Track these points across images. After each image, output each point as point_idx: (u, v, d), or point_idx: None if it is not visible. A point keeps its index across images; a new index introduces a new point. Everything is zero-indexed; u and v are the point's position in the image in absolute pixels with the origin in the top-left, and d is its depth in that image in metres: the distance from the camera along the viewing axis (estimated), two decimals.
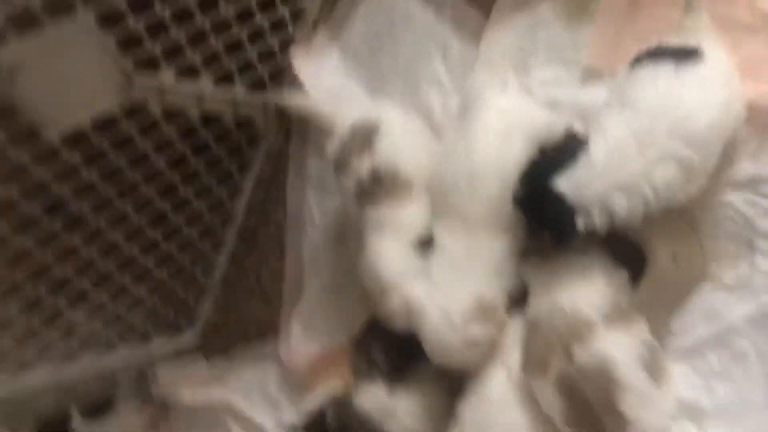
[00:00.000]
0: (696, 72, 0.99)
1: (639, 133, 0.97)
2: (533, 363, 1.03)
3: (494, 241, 1.11)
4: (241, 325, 1.64)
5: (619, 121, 0.99)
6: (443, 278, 1.13)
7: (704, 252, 1.11)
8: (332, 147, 1.27)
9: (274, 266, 1.60)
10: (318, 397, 1.35)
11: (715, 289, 1.10)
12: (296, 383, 1.51)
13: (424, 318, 1.13)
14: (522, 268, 1.12)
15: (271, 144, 1.56)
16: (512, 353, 1.09)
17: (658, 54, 1.01)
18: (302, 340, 1.50)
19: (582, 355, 0.98)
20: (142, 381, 1.60)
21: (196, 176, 1.45)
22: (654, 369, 1.00)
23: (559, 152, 1.02)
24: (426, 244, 1.18)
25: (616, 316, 1.02)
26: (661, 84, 0.99)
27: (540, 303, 1.06)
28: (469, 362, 1.13)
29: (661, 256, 1.07)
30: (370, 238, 1.22)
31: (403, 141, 1.23)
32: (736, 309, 1.08)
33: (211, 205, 1.51)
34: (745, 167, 1.07)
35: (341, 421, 1.24)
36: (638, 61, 1.03)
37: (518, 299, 1.13)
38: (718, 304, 1.10)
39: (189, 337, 1.65)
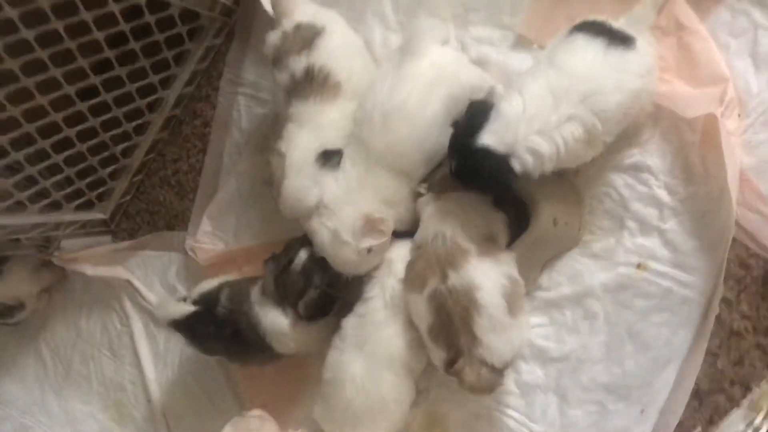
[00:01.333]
0: (623, 56, 1.09)
1: (557, 91, 1.07)
2: (413, 279, 1.15)
3: (389, 179, 1.21)
4: (152, 213, 1.69)
5: (541, 78, 1.09)
6: (337, 197, 1.23)
7: (581, 221, 1.25)
8: (275, 38, 1.31)
9: (193, 161, 1.64)
10: (214, 281, 1.40)
11: (582, 255, 1.25)
12: (195, 275, 1.58)
13: (316, 237, 1.24)
14: (416, 203, 1.23)
15: (211, 41, 1.58)
16: (389, 278, 1.22)
17: (598, 29, 1.11)
18: (209, 235, 1.57)
19: (454, 276, 1.11)
20: (45, 246, 1.64)
21: (132, 57, 1.46)
22: (513, 303, 1.13)
23: (476, 114, 1.10)
24: (335, 154, 1.26)
25: (489, 249, 1.15)
26: (589, 55, 1.09)
27: (427, 230, 1.17)
28: (368, 269, 1.25)
29: (544, 217, 1.19)
30: (290, 128, 1.28)
31: (342, 49, 1.29)
32: (597, 275, 1.23)
33: (142, 88, 1.53)
34: (632, 153, 1.20)
35: (233, 302, 1.31)
36: (578, 28, 1.13)
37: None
38: (583, 269, 1.24)
39: (98, 213, 1.68)
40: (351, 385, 1.20)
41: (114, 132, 1.55)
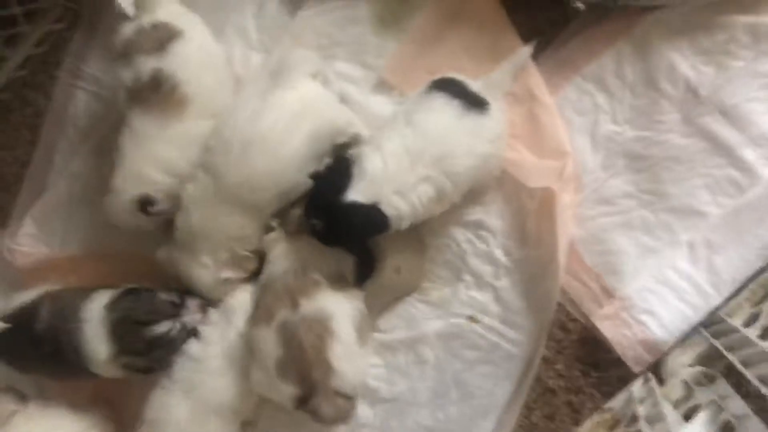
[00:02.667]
0: (476, 121, 1.13)
1: (413, 151, 1.09)
2: (261, 313, 1.12)
3: (238, 214, 1.16)
4: None
5: (397, 138, 1.11)
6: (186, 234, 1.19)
7: (422, 270, 1.28)
8: (129, 30, 1.21)
9: (20, 153, 1.49)
10: (32, 293, 1.28)
11: (420, 301, 1.29)
12: (12, 280, 1.44)
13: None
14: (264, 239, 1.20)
15: (51, 25, 1.44)
16: (229, 326, 1.19)
17: (455, 90, 1.13)
18: (31, 238, 1.43)
19: (306, 305, 1.10)
20: None
21: None
22: (361, 333, 1.16)
23: (338, 171, 1.10)
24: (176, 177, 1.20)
25: (339, 284, 1.16)
26: (444, 117, 1.12)
27: (276, 267, 1.15)
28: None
29: (388, 265, 1.22)
30: (126, 139, 1.20)
31: (197, 59, 1.21)
32: (431, 323, 1.27)
33: None
34: (475, 211, 1.25)
35: (56, 318, 1.20)
36: (436, 87, 1.14)
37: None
38: (419, 315, 1.28)
39: None
40: (174, 429, 1.16)
41: None
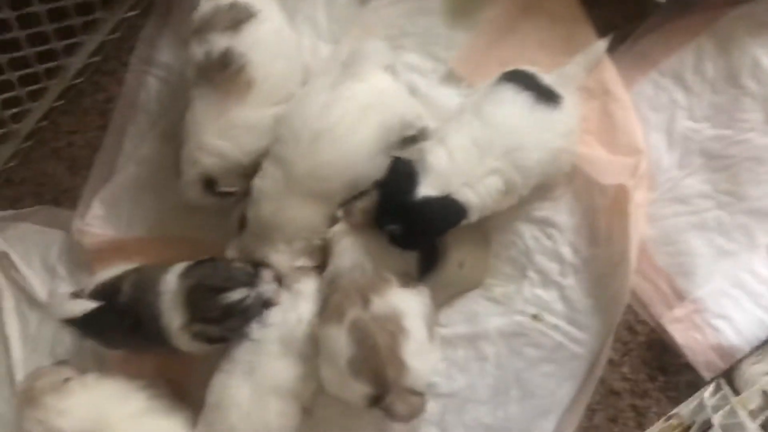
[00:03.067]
0: (548, 114, 1.10)
1: (481, 143, 1.08)
2: (331, 311, 1.11)
3: (305, 205, 1.17)
4: (38, 185, 1.55)
5: (465, 130, 1.09)
6: (258, 226, 1.19)
7: (486, 266, 1.26)
8: (207, 7, 1.21)
9: (90, 137, 1.52)
10: (113, 270, 1.30)
11: (483, 297, 1.27)
12: (79, 260, 1.48)
13: None
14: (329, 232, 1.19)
15: (126, 12, 1.47)
16: (292, 311, 1.19)
17: (527, 82, 1.11)
18: (99, 220, 1.46)
19: (378, 302, 1.08)
20: None
21: (33, 18, 1.33)
22: (431, 330, 1.14)
23: (402, 173, 1.09)
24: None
25: (407, 282, 1.14)
26: (515, 109, 1.10)
27: (343, 262, 1.14)
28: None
29: (452, 260, 1.21)
30: (190, 123, 1.22)
31: (269, 43, 1.20)
32: (493, 319, 1.26)
33: (42, 53, 1.40)
34: (543, 206, 1.23)
35: (137, 290, 1.21)
36: (508, 78, 1.13)
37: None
38: (481, 312, 1.26)
39: None
40: (236, 411, 1.16)
41: (4, 95, 1.41)
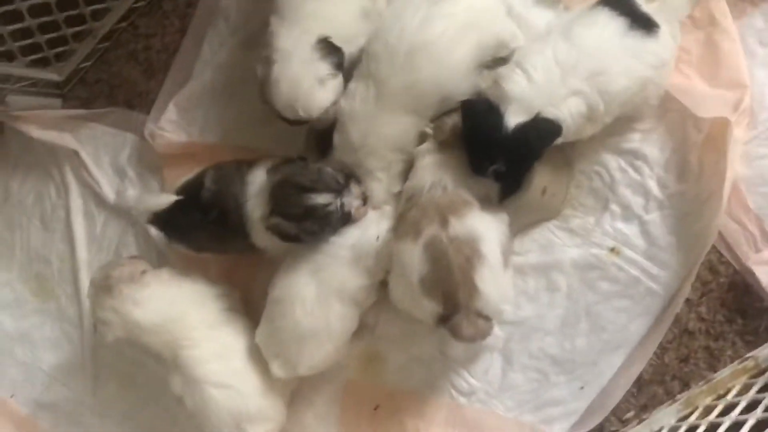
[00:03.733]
0: (641, 43, 1.06)
1: (564, 64, 1.04)
2: (408, 227, 1.10)
3: (398, 121, 1.15)
4: (112, 87, 1.56)
5: (548, 51, 1.06)
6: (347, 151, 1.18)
7: (566, 195, 1.24)
8: None
9: (168, 41, 1.51)
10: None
11: (559, 228, 1.25)
12: (149, 164, 1.49)
13: None
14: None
15: None
16: (372, 225, 1.18)
17: (625, 7, 1.07)
18: (173, 124, 1.46)
19: (456, 224, 1.07)
20: None
21: None
22: (506, 257, 1.13)
23: (481, 112, 1.07)
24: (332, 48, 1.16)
25: (488, 206, 1.12)
26: (606, 32, 1.06)
27: (423, 178, 1.13)
28: None
29: (534, 186, 1.17)
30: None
31: None
32: (568, 251, 1.24)
33: None
34: (632, 138, 1.20)
35: (219, 183, 1.22)
36: (604, 2, 1.08)
37: None
38: (556, 241, 1.25)
39: (53, 73, 1.53)
40: (301, 307, 1.17)
41: None
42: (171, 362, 1.23)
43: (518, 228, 1.25)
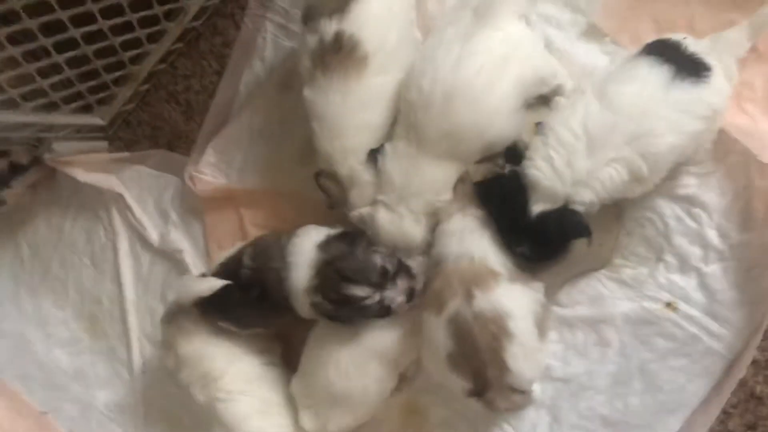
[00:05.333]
0: (688, 93, 0.96)
1: (594, 132, 0.96)
2: (431, 299, 1.05)
3: (439, 169, 1.09)
4: (154, 129, 1.56)
5: (574, 119, 0.98)
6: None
7: (615, 244, 1.15)
8: None
9: (207, 82, 1.50)
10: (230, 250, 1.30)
11: (610, 279, 1.16)
12: (191, 206, 1.48)
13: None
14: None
15: None
16: None
17: (669, 52, 0.97)
18: (212, 167, 1.45)
19: (482, 299, 1.01)
20: (35, 146, 1.52)
21: None
22: (541, 327, 1.06)
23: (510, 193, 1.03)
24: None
25: (518, 275, 1.06)
26: (648, 88, 0.97)
27: (450, 246, 1.07)
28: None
29: None
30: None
31: (378, 17, 1.13)
32: (620, 304, 1.15)
33: None
34: (689, 184, 1.10)
35: (257, 260, 1.20)
36: (648, 50, 0.99)
37: None
38: (606, 294, 1.16)
39: (97, 118, 1.55)
40: (335, 368, 1.14)
41: (125, 37, 1.39)
42: (211, 415, 1.23)
43: (564, 279, 1.17)
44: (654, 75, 0.96)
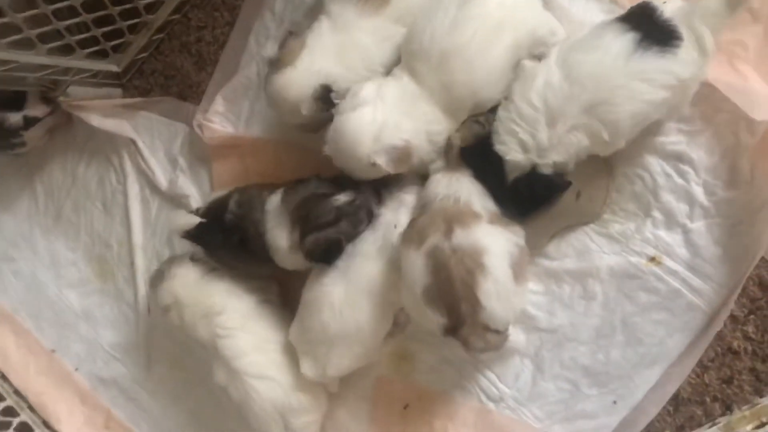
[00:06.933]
0: (651, 61, 0.97)
1: (552, 102, 0.99)
2: (413, 233, 1.07)
3: (436, 114, 1.11)
4: (166, 76, 1.59)
5: (539, 82, 1.01)
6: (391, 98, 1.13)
7: (605, 199, 1.17)
8: None
9: (218, 33, 1.53)
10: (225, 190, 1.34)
11: (597, 233, 1.18)
12: (199, 154, 1.52)
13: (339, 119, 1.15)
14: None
15: None
16: (392, 214, 1.16)
17: (638, 19, 0.98)
18: (220, 116, 1.48)
19: (461, 234, 1.03)
20: (51, 88, 1.56)
21: None
22: (518, 270, 1.08)
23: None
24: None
25: (501, 220, 1.09)
26: (608, 57, 0.98)
27: (438, 187, 1.10)
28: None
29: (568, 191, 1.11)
30: (323, 25, 1.19)
31: None
32: (606, 258, 1.17)
33: None
34: (678, 140, 1.11)
35: (242, 208, 1.24)
36: (622, 15, 1.01)
37: None
38: (594, 247, 1.18)
39: (111, 64, 1.59)
40: (329, 309, 1.17)
41: None
42: (213, 351, 1.27)
43: (553, 232, 1.19)
44: (616, 44, 0.97)
